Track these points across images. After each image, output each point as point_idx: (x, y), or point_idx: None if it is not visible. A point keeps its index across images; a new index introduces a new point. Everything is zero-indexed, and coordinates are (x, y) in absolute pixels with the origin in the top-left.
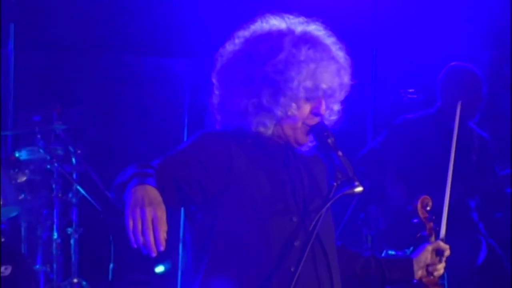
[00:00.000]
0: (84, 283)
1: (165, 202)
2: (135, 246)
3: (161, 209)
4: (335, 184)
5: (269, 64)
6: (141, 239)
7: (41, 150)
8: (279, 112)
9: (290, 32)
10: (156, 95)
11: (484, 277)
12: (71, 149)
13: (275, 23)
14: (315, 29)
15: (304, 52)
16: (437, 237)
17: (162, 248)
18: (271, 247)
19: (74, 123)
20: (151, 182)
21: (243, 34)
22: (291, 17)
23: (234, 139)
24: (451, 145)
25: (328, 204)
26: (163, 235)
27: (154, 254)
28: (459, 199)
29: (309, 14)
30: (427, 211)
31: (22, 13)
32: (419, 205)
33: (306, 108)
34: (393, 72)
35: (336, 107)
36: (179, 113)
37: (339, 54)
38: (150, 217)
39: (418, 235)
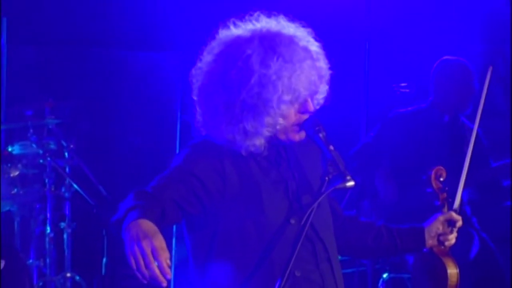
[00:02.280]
0: (77, 277)
1: (169, 223)
2: (145, 282)
3: (157, 239)
4: (327, 178)
5: (243, 91)
6: (146, 273)
7: (34, 145)
8: (266, 132)
9: (254, 42)
10: (148, 89)
11: (477, 271)
12: (63, 143)
13: (238, 32)
14: (280, 27)
15: (274, 68)
16: (450, 208)
17: (169, 276)
18: (271, 253)
19: (67, 118)
20: (144, 215)
21: (212, 50)
22: (250, 19)
23: (224, 147)
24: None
25: (320, 199)
26: (166, 263)
27: (164, 285)
28: (451, 193)
29: (301, 10)
30: (441, 182)
31: (15, 8)
32: (433, 176)
33: (293, 111)
34: (386, 66)
35: (323, 87)
36: (172, 107)
37: (310, 45)
38: (149, 249)
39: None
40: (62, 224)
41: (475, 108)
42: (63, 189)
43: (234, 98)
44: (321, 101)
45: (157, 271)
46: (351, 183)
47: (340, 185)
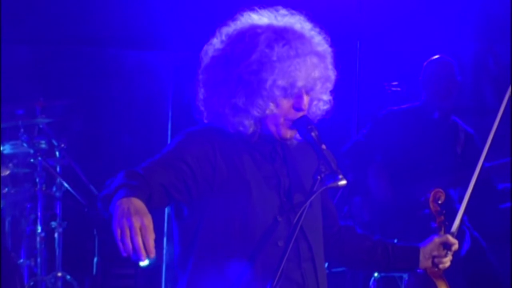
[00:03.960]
0: (68, 277)
1: (155, 207)
2: (125, 254)
3: (147, 218)
4: (319, 177)
5: (242, 66)
6: (130, 245)
7: (25, 144)
8: (255, 113)
9: (268, 29)
10: (139, 88)
11: (468, 268)
12: (54, 142)
13: (256, 18)
14: (296, 22)
15: (277, 51)
16: (446, 231)
17: (152, 255)
18: (255, 247)
19: (58, 117)
20: (136, 194)
21: (225, 31)
22: (273, 11)
23: (218, 137)
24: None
25: (312, 197)
26: (151, 242)
27: (143, 259)
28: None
29: (293, 7)
30: (439, 205)
31: (5, 8)
32: (431, 198)
33: (287, 104)
34: (377, 65)
35: (325, 97)
36: (163, 106)
37: (320, 46)
38: (138, 225)
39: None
40: (53, 224)
41: (459, 100)
42: (54, 189)
43: (232, 72)
44: (322, 108)
45: (141, 244)
46: (342, 182)
47: (332, 184)
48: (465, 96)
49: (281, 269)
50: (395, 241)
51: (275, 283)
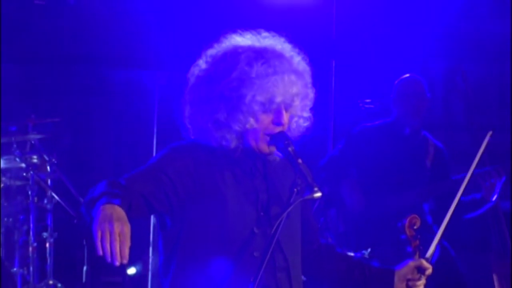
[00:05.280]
0: (59, 284)
1: (134, 216)
2: (101, 253)
3: (127, 226)
4: (295, 189)
5: (224, 83)
6: (107, 248)
7: (17, 159)
8: (236, 127)
9: (248, 49)
10: (126, 105)
11: (437, 276)
12: (46, 157)
13: (239, 40)
14: (276, 43)
15: (256, 69)
16: (421, 255)
17: (125, 260)
18: (231, 258)
19: (48, 133)
20: (118, 202)
21: (210, 53)
22: (255, 33)
23: (201, 152)
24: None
25: (289, 209)
26: (127, 249)
27: (117, 263)
28: (414, 203)
29: (270, 27)
30: (414, 230)
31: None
32: (407, 224)
33: (266, 119)
34: (351, 83)
35: (305, 114)
36: (149, 122)
37: (299, 65)
38: (118, 231)
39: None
40: (45, 234)
41: (430, 115)
42: (45, 201)
43: (214, 89)
44: (302, 125)
45: (118, 249)
46: (318, 194)
47: (308, 196)
48: (435, 111)
49: (258, 278)
50: (369, 252)
51: None
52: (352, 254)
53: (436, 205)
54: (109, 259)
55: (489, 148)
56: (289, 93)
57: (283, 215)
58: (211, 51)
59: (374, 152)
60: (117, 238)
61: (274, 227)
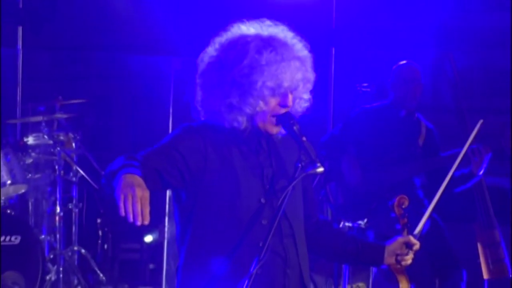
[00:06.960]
0: (83, 250)
1: (150, 188)
2: (123, 214)
3: (147, 192)
4: (300, 165)
5: (236, 70)
6: (130, 209)
7: (46, 136)
8: (248, 110)
9: (256, 37)
10: (144, 88)
11: (427, 246)
12: (71, 135)
13: (245, 29)
14: (279, 32)
15: (266, 56)
16: (409, 232)
17: (146, 221)
18: (241, 226)
19: (74, 113)
20: (137, 172)
21: (219, 40)
22: (260, 22)
23: (211, 132)
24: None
25: (294, 183)
26: (147, 211)
27: (139, 223)
28: (406, 178)
29: (272, 16)
30: (402, 209)
31: (28, 18)
32: (396, 203)
33: (274, 102)
34: (350, 68)
35: (306, 96)
36: (165, 104)
37: (301, 52)
38: (140, 195)
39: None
40: (70, 205)
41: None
42: (71, 174)
43: (226, 75)
44: (304, 106)
45: (140, 209)
46: (320, 169)
47: (311, 171)
48: (425, 95)
49: (267, 243)
50: (365, 222)
51: (262, 255)
52: (349, 224)
53: (427, 180)
54: (131, 219)
55: (480, 133)
56: (295, 79)
57: (289, 187)
58: (220, 39)
59: (372, 131)
60: (139, 200)
61: (281, 198)
